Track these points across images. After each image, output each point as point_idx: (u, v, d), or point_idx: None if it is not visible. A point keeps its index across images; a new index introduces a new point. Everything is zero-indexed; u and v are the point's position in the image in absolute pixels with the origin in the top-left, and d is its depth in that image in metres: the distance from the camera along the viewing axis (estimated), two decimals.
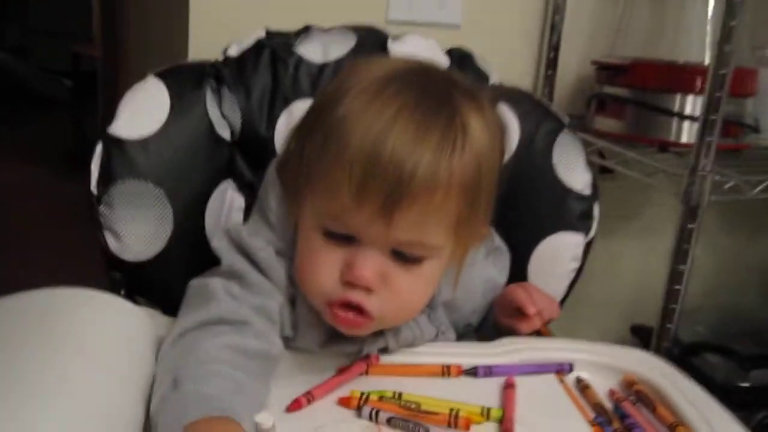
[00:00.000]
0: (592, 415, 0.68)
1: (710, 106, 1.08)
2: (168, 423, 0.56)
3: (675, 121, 1.25)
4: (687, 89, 1.23)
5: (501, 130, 0.71)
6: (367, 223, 0.64)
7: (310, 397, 0.65)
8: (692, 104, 1.24)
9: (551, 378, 0.74)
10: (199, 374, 0.59)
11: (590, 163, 0.91)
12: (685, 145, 1.24)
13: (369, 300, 0.66)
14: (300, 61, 0.92)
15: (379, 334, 0.72)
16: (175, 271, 0.83)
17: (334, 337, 0.72)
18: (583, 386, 0.73)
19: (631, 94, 1.28)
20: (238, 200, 0.91)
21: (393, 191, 0.62)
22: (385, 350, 0.73)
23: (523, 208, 0.89)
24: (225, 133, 0.89)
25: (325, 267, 0.66)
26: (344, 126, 0.64)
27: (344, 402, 0.65)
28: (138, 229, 0.83)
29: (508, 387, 0.70)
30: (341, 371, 0.69)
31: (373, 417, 0.63)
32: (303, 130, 0.71)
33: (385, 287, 0.66)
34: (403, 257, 0.66)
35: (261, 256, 0.71)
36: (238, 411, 0.56)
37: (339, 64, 0.92)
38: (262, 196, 0.76)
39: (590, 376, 0.74)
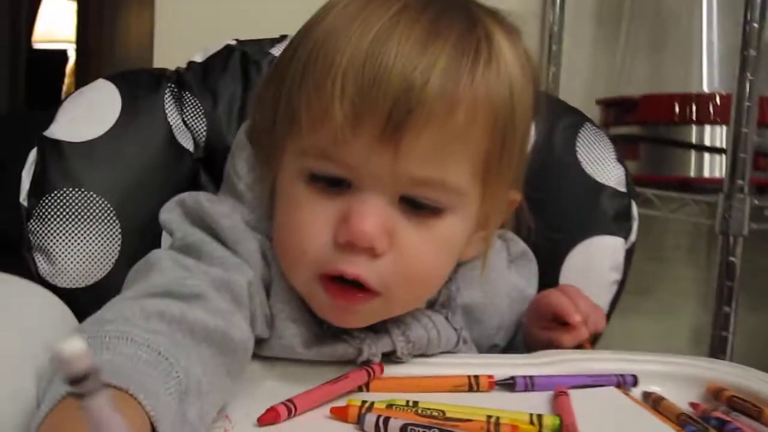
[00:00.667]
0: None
1: (739, 120, 0.96)
2: (41, 404, 0.36)
3: (694, 154, 1.13)
4: (705, 119, 1.12)
5: (532, 65, 0.55)
6: (366, 154, 0.48)
7: (291, 406, 0.46)
8: (710, 135, 1.12)
9: (612, 391, 0.56)
10: (96, 337, 0.40)
11: (621, 160, 0.77)
12: (708, 180, 1.11)
13: (371, 269, 0.49)
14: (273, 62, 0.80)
15: (383, 331, 0.55)
16: None
17: (323, 336, 0.54)
18: (655, 399, 0.55)
19: (643, 130, 1.17)
20: None
21: (399, 102, 0.46)
22: (392, 356, 0.55)
23: (549, 213, 0.74)
24: (187, 143, 0.75)
25: (313, 223, 0.50)
26: (330, 39, 0.49)
27: (339, 413, 0.47)
28: (76, 249, 0.66)
29: (560, 395, 0.52)
30: (333, 381, 0.50)
31: (381, 427, 0.45)
32: (278, 69, 0.57)
33: (391, 248, 0.49)
34: (416, 206, 0.50)
35: (225, 224, 0.54)
36: (146, 386, 0.36)
37: None
38: (228, 168, 0.61)
39: (662, 390, 0.57)
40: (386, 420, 0.45)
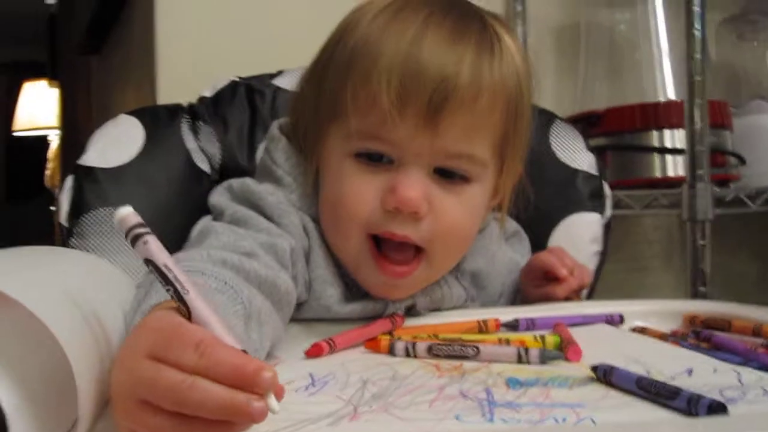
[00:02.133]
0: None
1: (692, 113, 1.07)
2: (127, 323, 0.44)
3: (657, 157, 1.23)
4: (664, 125, 1.23)
5: (528, 62, 0.65)
6: (410, 135, 0.57)
7: (331, 343, 0.54)
8: (671, 138, 1.23)
9: (602, 327, 0.64)
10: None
11: (590, 149, 0.87)
12: (672, 179, 1.22)
13: (415, 230, 0.58)
14: (278, 90, 0.89)
15: None
16: None
17: (355, 294, 0.62)
18: (640, 330, 0.63)
19: (609, 140, 1.27)
20: None
21: (438, 90, 0.56)
22: (411, 310, 0.63)
23: (531, 199, 0.83)
24: (204, 166, 0.84)
25: (364, 192, 0.59)
26: (370, 42, 0.59)
27: (372, 345, 0.55)
28: (113, 261, 0.74)
29: (558, 325, 0.60)
30: (364, 326, 0.58)
31: (410, 350, 0.52)
32: (316, 68, 0.66)
33: (430, 212, 0.59)
34: (448, 176, 0.60)
35: (270, 201, 0.62)
36: (217, 305, 0.43)
37: None
38: (264, 159, 0.69)
39: (645, 324, 0.65)
40: (414, 344, 0.52)
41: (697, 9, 1.07)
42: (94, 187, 0.76)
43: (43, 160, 4.07)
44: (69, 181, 0.77)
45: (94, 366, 0.37)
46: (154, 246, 0.37)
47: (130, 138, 0.80)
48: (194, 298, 0.36)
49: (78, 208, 0.76)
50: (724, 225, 1.19)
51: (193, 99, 0.89)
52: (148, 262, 0.37)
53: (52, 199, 3.49)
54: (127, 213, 0.37)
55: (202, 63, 1.19)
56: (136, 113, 0.83)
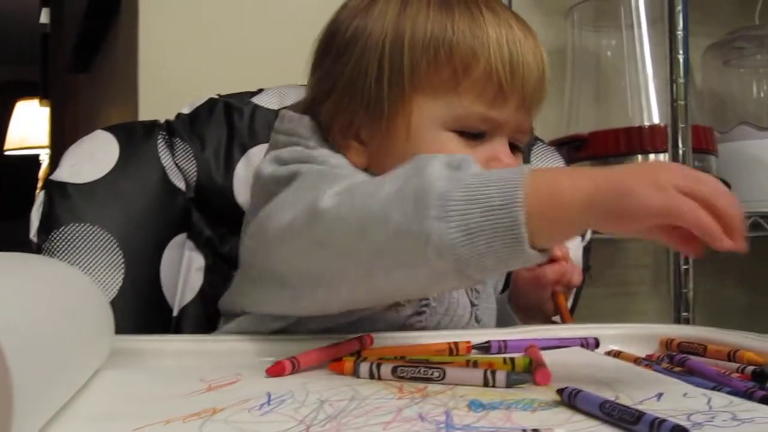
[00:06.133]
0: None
1: (675, 136, 1.07)
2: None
3: None
4: (647, 148, 1.22)
5: None
6: (511, 114, 0.63)
7: (295, 362, 0.52)
8: None
9: (576, 350, 0.62)
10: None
11: None
12: None
13: None
14: (256, 108, 0.88)
15: None
16: (123, 326, 0.72)
17: None
18: (614, 354, 0.62)
19: (594, 164, 1.27)
20: (198, 260, 0.82)
21: (537, 71, 0.63)
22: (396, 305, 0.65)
23: None
24: (180, 183, 0.83)
25: None
26: (449, 27, 0.63)
27: (336, 367, 0.53)
28: None
29: (530, 347, 0.58)
30: (330, 346, 0.57)
31: (375, 372, 0.51)
32: (367, 42, 0.66)
33: None
34: (515, 147, 0.67)
35: (334, 162, 0.63)
36: None
37: None
38: (290, 137, 0.68)
39: (621, 348, 0.63)
40: (378, 365, 0.51)
41: (680, 33, 1.07)
42: (66, 203, 0.75)
43: (35, 179, 4.05)
44: (40, 196, 0.76)
45: (41, 389, 0.35)
46: None
47: (104, 153, 0.80)
48: None
49: (48, 224, 0.75)
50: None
51: (173, 117, 0.88)
52: None
53: None
54: None
55: (184, 82, 1.19)
56: (111, 129, 0.83)
